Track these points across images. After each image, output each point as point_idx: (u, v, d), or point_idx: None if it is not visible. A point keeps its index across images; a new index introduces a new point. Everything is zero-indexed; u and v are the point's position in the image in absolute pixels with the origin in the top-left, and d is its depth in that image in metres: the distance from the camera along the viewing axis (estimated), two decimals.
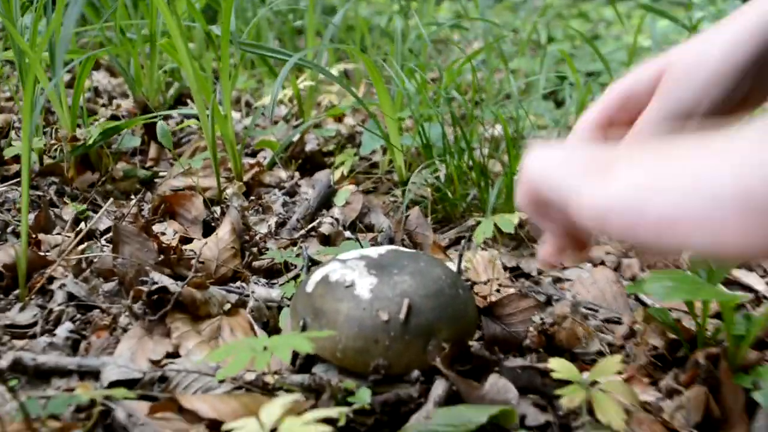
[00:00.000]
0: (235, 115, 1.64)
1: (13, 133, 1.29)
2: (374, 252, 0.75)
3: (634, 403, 0.59)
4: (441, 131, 1.18)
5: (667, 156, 0.42)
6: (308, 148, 1.39)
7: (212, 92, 1.08)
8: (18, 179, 1.15)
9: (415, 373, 0.67)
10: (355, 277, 0.69)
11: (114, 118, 1.41)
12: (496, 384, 0.65)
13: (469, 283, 0.91)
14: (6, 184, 1.13)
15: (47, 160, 1.20)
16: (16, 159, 1.19)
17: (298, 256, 0.89)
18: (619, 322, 0.90)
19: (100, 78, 1.81)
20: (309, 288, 0.71)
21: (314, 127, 1.43)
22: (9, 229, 1.00)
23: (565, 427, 0.62)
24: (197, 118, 1.17)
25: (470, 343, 0.73)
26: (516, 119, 1.25)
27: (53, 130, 1.28)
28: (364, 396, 0.64)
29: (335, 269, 0.71)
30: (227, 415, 0.60)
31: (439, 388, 0.65)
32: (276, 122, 1.52)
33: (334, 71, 1.41)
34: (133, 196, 1.16)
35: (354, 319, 0.66)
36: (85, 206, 1.02)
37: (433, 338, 0.67)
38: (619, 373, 0.64)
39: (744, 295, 0.71)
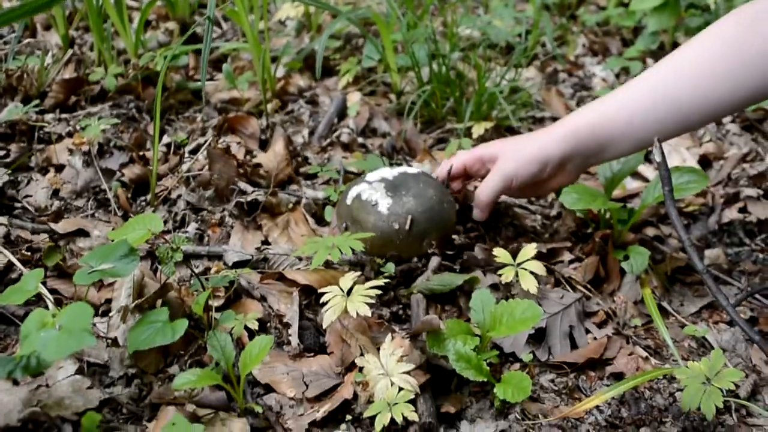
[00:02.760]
0: None
1: (88, 54, 1.62)
2: (390, 174, 1.14)
3: (543, 274, 1.02)
4: (426, 52, 1.54)
5: None
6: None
7: (260, 45, 1.42)
8: (101, 100, 1.50)
9: (415, 258, 1.09)
10: (378, 198, 1.09)
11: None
12: (468, 261, 1.08)
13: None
14: (95, 105, 1.48)
15: (120, 81, 1.54)
16: (97, 82, 1.53)
17: (338, 172, 1.29)
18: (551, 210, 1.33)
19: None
20: (348, 201, 1.12)
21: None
22: (111, 144, 1.37)
23: (507, 287, 1.06)
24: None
25: (453, 236, 1.15)
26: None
27: (117, 55, 1.61)
28: (390, 268, 1.07)
29: (365, 189, 1.11)
30: (314, 282, 1.02)
31: (433, 262, 1.08)
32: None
33: None
34: (188, 108, 1.52)
35: (378, 227, 1.07)
36: (185, 136, 1.37)
37: (427, 237, 1.09)
38: (537, 254, 1.06)
39: (621, 210, 1.13)
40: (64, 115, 1.45)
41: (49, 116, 1.43)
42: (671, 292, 1.15)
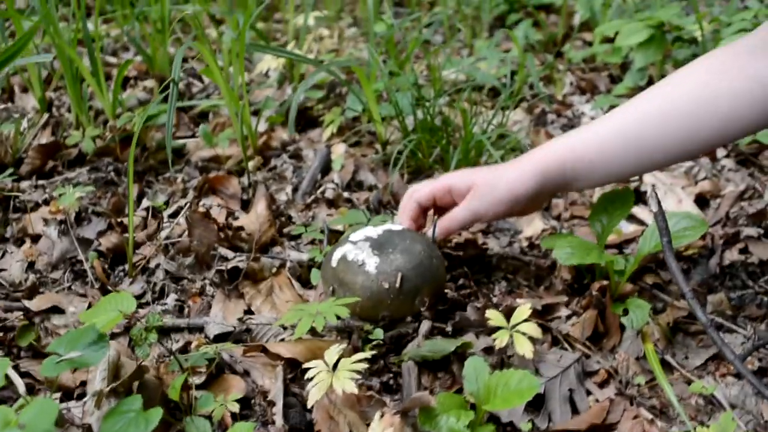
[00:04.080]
0: None
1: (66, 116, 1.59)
2: (374, 233, 1.10)
3: (539, 336, 0.97)
4: (410, 101, 1.51)
5: None
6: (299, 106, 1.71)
7: (239, 99, 1.39)
8: (80, 164, 1.46)
9: (408, 318, 1.05)
10: (364, 257, 1.05)
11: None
12: (461, 322, 1.04)
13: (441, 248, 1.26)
14: (73, 170, 1.44)
15: (99, 143, 1.50)
16: (74, 145, 1.49)
17: (322, 232, 1.24)
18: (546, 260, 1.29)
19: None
20: (333, 263, 1.07)
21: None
22: (89, 210, 1.33)
23: (501, 351, 1.01)
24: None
25: (446, 291, 1.10)
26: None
27: (95, 116, 1.58)
28: (379, 334, 1.02)
29: (350, 250, 1.07)
30: (298, 355, 0.97)
31: (424, 326, 1.03)
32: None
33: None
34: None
35: (367, 288, 1.03)
36: (165, 198, 1.33)
37: (419, 295, 1.04)
38: (532, 311, 1.01)
39: (618, 259, 1.08)
40: (41, 182, 1.41)
41: (25, 183, 1.39)
42: (675, 344, 1.10)
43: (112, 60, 2.00)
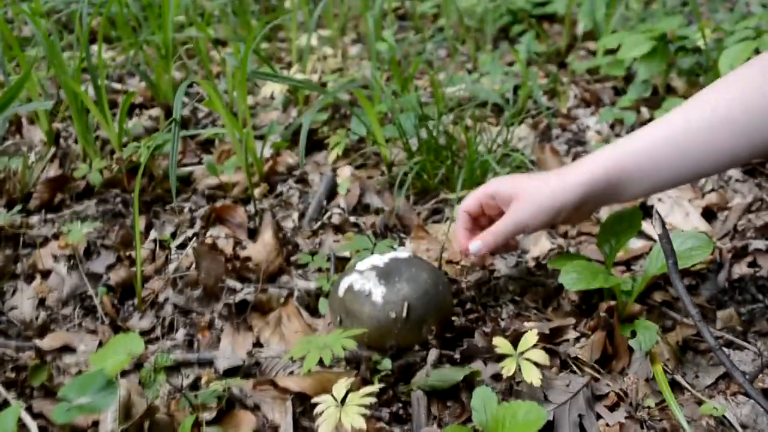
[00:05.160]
0: None
1: (74, 147, 1.60)
2: (380, 261, 1.11)
3: (547, 363, 0.97)
4: (413, 122, 1.51)
5: None
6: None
7: (242, 127, 1.40)
8: (88, 196, 1.47)
9: (416, 346, 1.05)
10: (371, 287, 1.05)
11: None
12: (469, 350, 1.04)
13: (447, 275, 1.26)
14: (81, 203, 1.46)
15: (107, 174, 1.52)
16: (83, 177, 1.51)
17: (328, 260, 1.25)
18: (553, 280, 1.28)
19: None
20: (340, 293, 1.08)
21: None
22: (98, 243, 1.34)
23: (510, 379, 1.00)
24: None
25: (453, 318, 1.10)
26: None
27: (101, 146, 1.59)
28: (387, 364, 1.02)
29: (356, 279, 1.07)
30: (307, 388, 0.97)
31: (432, 355, 1.03)
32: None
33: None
34: (177, 196, 1.49)
35: (374, 318, 1.03)
36: (172, 229, 1.34)
37: (425, 324, 1.05)
38: (540, 335, 1.01)
39: (625, 280, 1.08)
40: (50, 216, 1.42)
41: (34, 218, 1.40)
42: (684, 363, 1.10)
43: (118, 86, 2.01)
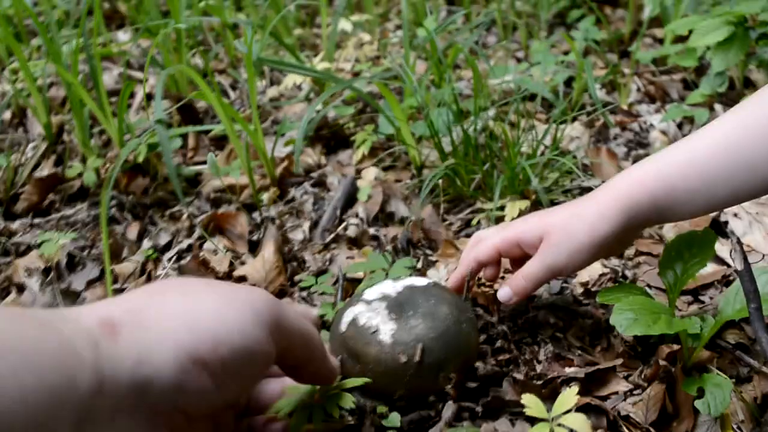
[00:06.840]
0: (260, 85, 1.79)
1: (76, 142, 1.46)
2: (393, 289, 0.92)
3: (588, 431, 0.77)
4: (446, 120, 1.32)
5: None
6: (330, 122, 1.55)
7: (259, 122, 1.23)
8: (82, 198, 1.33)
9: (431, 397, 0.86)
10: (378, 322, 0.87)
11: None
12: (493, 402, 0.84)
13: (476, 304, 1.07)
14: (72, 205, 1.31)
15: (103, 173, 1.37)
16: (79, 174, 1.36)
17: (335, 283, 1.07)
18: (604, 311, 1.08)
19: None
20: (342, 327, 0.89)
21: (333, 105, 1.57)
22: (85, 253, 1.19)
23: None
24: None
25: (477, 364, 0.91)
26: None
27: (105, 143, 1.45)
28: (395, 420, 0.84)
29: (362, 312, 0.89)
30: None
31: (448, 411, 0.84)
32: None
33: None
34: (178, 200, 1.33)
35: (381, 361, 0.85)
36: (151, 251, 1.18)
37: (442, 370, 0.86)
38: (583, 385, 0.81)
39: (693, 321, 0.87)
40: (36, 220, 1.28)
41: (18, 223, 1.26)
42: (764, 426, 0.88)
43: (139, 75, 1.87)
